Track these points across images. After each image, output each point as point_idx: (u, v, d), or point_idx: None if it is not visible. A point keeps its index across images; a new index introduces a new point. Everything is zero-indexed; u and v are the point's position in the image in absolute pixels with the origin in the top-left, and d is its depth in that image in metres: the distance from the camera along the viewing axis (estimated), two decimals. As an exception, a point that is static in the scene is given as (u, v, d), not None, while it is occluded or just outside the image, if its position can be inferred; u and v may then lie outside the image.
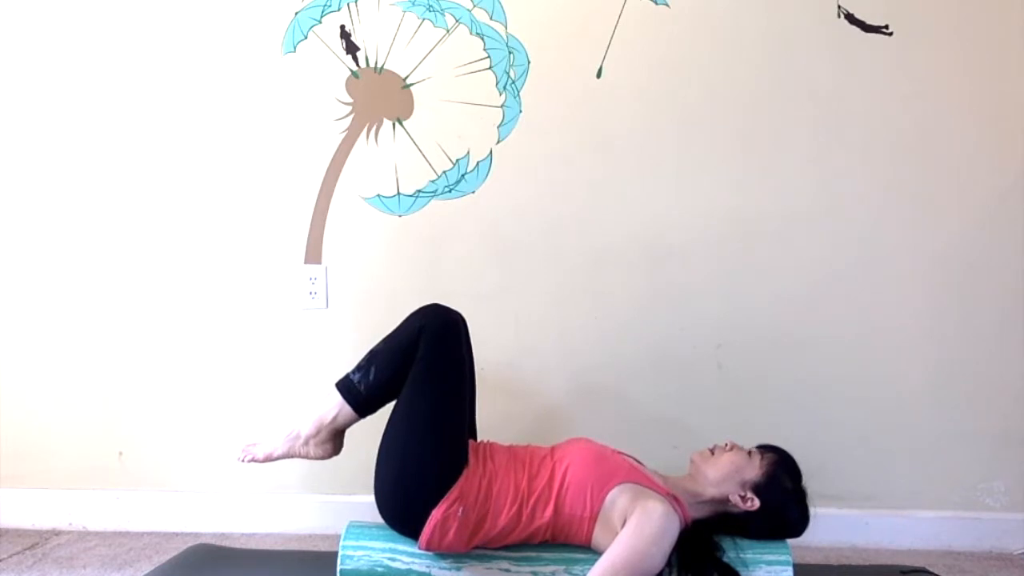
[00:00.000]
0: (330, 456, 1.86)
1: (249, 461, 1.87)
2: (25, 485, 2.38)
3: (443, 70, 2.32)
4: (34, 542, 2.26)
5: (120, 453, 2.39)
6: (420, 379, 1.73)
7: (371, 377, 1.76)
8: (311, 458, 1.85)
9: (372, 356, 1.79)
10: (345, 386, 1.79)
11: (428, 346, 1.73)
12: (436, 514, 1.67)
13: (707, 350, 2.34)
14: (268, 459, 1.86)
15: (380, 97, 2.33)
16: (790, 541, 1.79)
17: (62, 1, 2.33)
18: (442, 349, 1.74)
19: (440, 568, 1.74)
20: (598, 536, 1.70)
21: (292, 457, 1.85)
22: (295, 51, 2.33)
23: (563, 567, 1.74)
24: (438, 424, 1.73)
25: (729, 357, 2.33)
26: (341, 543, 1.76)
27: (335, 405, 1.79)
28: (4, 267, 2.37)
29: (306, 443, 1.82)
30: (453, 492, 1.69)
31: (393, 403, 1.78)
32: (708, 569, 1.68)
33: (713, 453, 1.81)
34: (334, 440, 1.85)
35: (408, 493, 1.71)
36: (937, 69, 2.29)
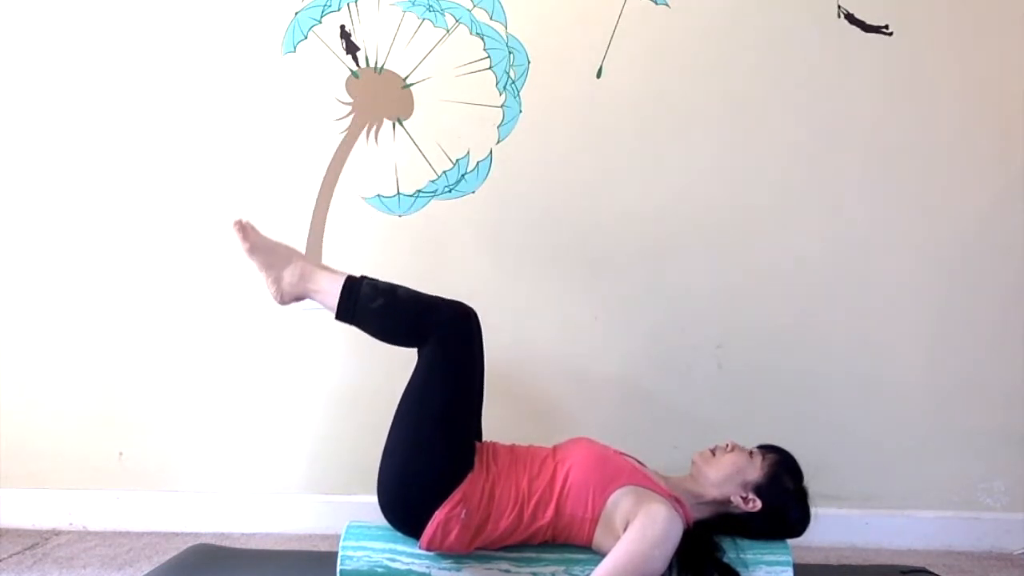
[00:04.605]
0: (275, 297, 1.80)
1: (236, 228, 1.78)
2: (25, 485, 2.37)
3: (443, 70, 2.32)
4: (34, 542, 2.26)
5: (120, 453, 2.38)
6: (433, 377, 1.73)
7: (372, 306, 1.72)
8: (266, 282, 1.79)
9: (390, 294, 1.73)
10: (350, 290, 1.73)
11: (444, 347, 1.73)
12: (439, 515, 1.67)
13: (707, 350, 2.34)
14: (247, 248, 1.77)
15: (380, 97, 2.32)
16: (790, 541, 1.79)
17: (63, 2, 2.32)
18: (458, 353, 1.75)
19: (440, 569, 1.74)
20: (599, 538, 1.70)
21: (257, 265, 1.78)
22: (295, 51, 2.32)
23: (563, 568, 1.74)
24: (447, 424, 1.73)
25: (729, 357, 2.33)
26: (341, 543, 1.76)
27: (329, 286, 1.74)
28: (5, 267, 2.37)
29: (279, 276, 1.78)
30: (457, 494, 1.68)
31: (399, 399, 1.77)
32: (708, 569, 1.69)
33: (714, 454, 1.81)
34: (296, 298, 1.81)
35: (411, 491, 1.70)
36: (937, 69, 2.29)
